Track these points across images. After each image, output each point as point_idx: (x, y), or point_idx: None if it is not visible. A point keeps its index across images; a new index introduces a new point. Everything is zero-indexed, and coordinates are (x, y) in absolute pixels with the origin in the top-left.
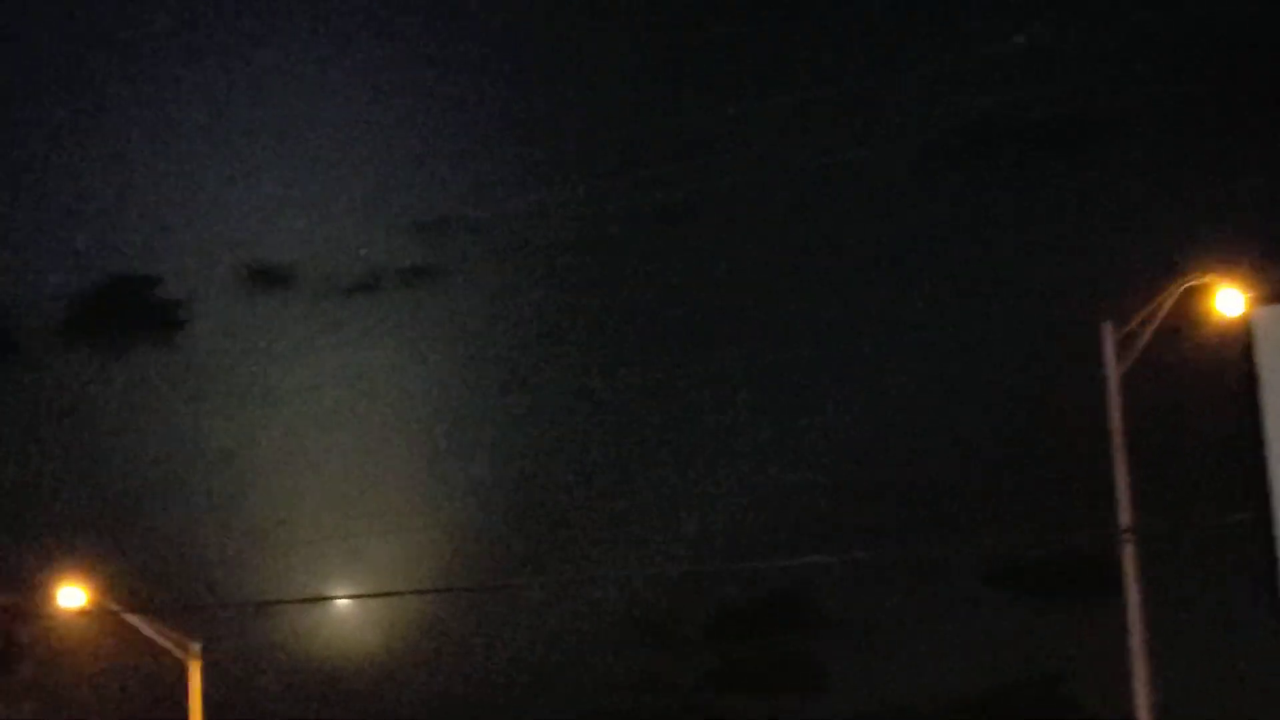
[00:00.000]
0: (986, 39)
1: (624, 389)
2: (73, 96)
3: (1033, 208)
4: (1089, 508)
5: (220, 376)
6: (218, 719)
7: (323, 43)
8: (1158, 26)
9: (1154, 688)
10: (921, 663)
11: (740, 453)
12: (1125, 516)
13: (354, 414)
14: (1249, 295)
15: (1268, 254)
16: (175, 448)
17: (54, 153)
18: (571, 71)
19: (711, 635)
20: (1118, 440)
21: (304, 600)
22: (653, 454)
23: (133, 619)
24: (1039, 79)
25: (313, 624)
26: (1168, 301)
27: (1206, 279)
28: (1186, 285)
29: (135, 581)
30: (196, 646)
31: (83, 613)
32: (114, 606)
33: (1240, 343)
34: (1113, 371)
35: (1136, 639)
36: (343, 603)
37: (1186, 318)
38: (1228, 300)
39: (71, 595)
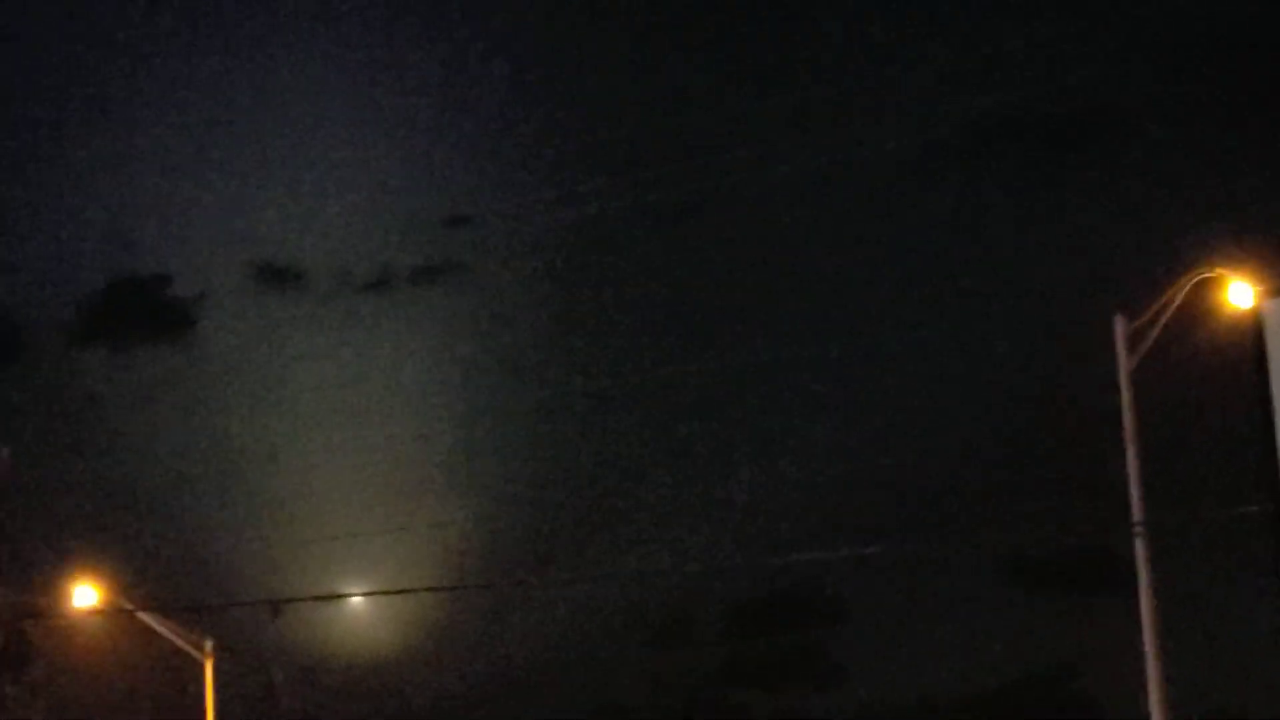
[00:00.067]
0: (986, 39)
1: (636, 386)
2: (83, 96)
3: (1041, 204)
4: (1101, 501)
5: (232, 375)
6: (232, 715)
7: (334, 41)
8: (1163, 24)
9: (1166, 680)
10: (935, 657)
11: (753, 448)
12: (1137, 510)
13: (366, 412)
14: (1259, 288)
15: (1278, 247)
16: (187, 446)
17: (64, 152)
18: (575, 72)
19: (724, 630)
20: (1129, 434)
21: (317, 598)
22: (665, 451)
23: (146, 617)
24: (1044, 77)
25: (326, 621)
26: (1178, 295)
27: (1217, 272)
28: (1197, 278)
29: (148, 580)
30: (209, 644)
31: (96, 611)
32: (127, 605)
33: (1251, 335)
34: (1124, 365)
35: (1149, 632)
36: (356, 600)
37: (1197, 311)
38: (1238, 293)
39: (85, 594)
